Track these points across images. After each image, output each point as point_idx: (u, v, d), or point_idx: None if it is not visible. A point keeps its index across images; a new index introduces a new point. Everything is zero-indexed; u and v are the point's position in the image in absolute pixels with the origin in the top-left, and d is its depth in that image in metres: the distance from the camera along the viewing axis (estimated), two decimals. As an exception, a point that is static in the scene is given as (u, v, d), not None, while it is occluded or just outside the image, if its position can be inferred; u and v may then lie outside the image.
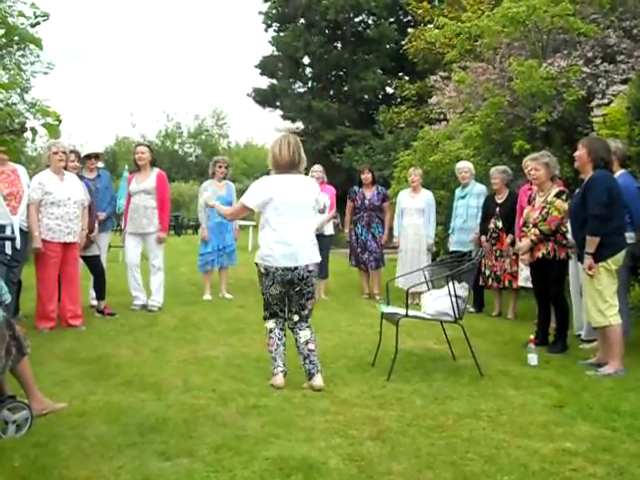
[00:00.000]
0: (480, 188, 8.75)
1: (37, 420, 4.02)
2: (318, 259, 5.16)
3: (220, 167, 9.34)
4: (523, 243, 6.55)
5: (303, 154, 5.15)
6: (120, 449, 3.67)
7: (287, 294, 5.12)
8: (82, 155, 8.12)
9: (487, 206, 8.41)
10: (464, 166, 8.95)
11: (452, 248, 8.85)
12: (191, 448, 3.68)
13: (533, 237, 6.36)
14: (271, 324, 5.18)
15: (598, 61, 9.12)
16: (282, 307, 5.20)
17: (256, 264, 5.13)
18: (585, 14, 9.65)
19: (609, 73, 8.91)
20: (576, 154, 5.82)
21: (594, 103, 8.45)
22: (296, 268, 4.98)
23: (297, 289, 5.06)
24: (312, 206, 5.18)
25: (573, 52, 9.40)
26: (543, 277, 6.48)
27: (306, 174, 5.82)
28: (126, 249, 8.45)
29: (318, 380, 4.96)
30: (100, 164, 8.79)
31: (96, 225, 7.78)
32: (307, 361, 5.04)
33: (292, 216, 5.01)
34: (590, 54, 9.30)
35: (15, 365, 4.06)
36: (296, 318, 5.16)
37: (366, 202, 9.67)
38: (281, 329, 5.19)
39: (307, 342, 5.09)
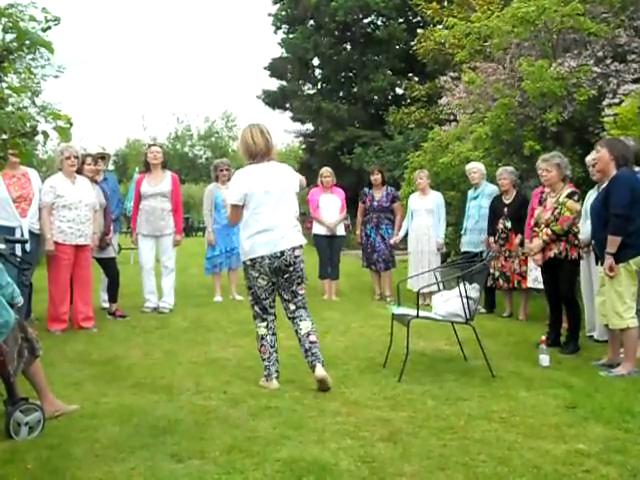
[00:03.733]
0: (492, 189, 8.73)
1: (49, 422, 4.04)
2: (303, 241, 5.10)
3: (221, 170, 9.36)
4: (535, 243, 6.53)
5: (274, 141, 5.14)
6: (132, 451, 3.68)
7: (276, 284, 5.06)
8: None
9: (495, 207, 8.38)
10: (473, 167, 8.94)
11: (464, 249, 8.85)
12: (203, 450, 3.69)
13: (545, 237, 6.35)
14: (262, 330, 5.09)
15: (609, 60, 9.07)
16: (272, 302, 5.12)
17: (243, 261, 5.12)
18: (595, 13, 9.60)
19: (620, 72, 8.86)
20: (596, 155, 5.73)
21: (605, 103, 8.41)
22: (282, 254, 4.93)
23: (286, 276, 5.00)
24: (293, 192, 5.13)
25: (583, 52, 9.36)
26: (554, 277, 6.46)
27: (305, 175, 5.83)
28: (141, 252, 8.42)
29: (320, 370, 4.89)
30: (110, 167, 8.81)
31: (111, 227, 7.83)
32: (309, 354, 4.96)
33: (273, 205, 4.95)
34: (600, 53, 9.25)
35: (27, 367, 4.09)
36: (292, 307, 5.07)
37: (375, 203, 9.65)
38: (273, 333, 5.12)
39: (309, 334, 5.00)
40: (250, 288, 5.11)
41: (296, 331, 5.07)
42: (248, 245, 4.99)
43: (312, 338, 5.00)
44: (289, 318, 5.13)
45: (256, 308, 5.12)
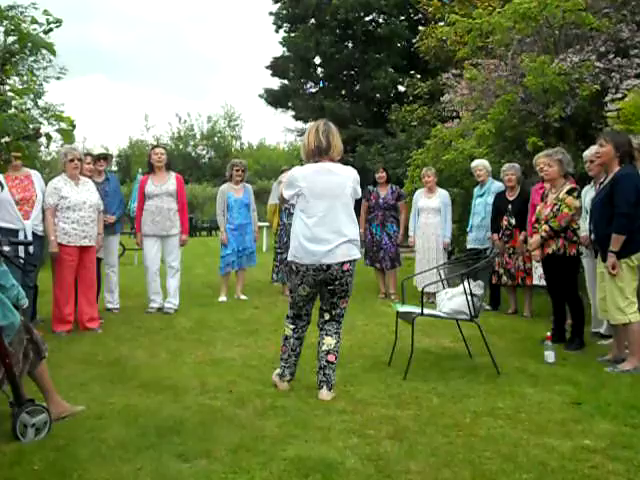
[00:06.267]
0: (498, 186, 8.71)
1: (56, 423, 4.05)
2: (356, 256, 4.75)
3: (237, 170, 9.40)
4: (533, 239, 6.56)
5: (335, 140, 4.74)
6: (139, 451, 3.68)
7: (319, 293, 4.84)
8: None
9: (498, 204, 8.38)
10: (479, 164, 8.93)
11: (470, 245, 8.87)
12: (209, 449, 3.69)
13: (543, 233, 6.35)
14: (289, 331, 4.94)
15: (611, 55, 9.05)
16: (309, 310, 4.93)
17: (288, 260, 4.89)
18: (597, 8, 9.59)
19: (622, 67, 8.84)
20: (600, 150, 5.69)
21: (608, 98, 8.39)
22: (329, 267, 4.63)
23: (329, 288, 4.73)
24: (348, 197, 4.73)
25: (585, 47, 9.34)
26: (555, 274, 6.46)
27: None
28: (146, 253, 8.37)
29: (323, 394, 4.69)
30: (113, 167, 8.78)
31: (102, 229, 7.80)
32: (321, 372, 4.75)
33: (323, 212, 4.65)
34: (603, 49, 9.23)
35: (33, 369, 4.09)
36: (327, 317, 4.85)
37: (380, 201, 9.64)
38: (298, 338, 4.94)
39: (328, 352, 4.76)
40: (291, 292, 4.96)
41: (318, 342, 4.88)
42: (296, 242, 4.73)
43: (330, 358, 4.77)
44: (318, 326, 4.92)
45: (290, 312, 4.97)
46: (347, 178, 4.77)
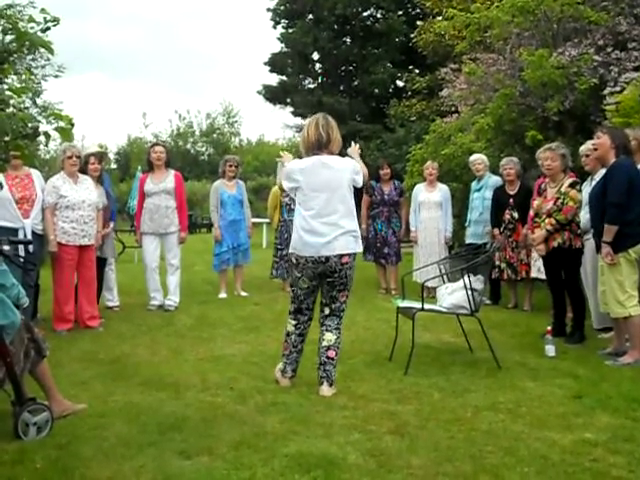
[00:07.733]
0: (495, 180, 8.71)
1: (57, 422, 4.05)
2: (356, 249, 4.78)
3: (230, 166, 9.40)
4: (538, 234, 6.52)
5: (334, 134, 4.80)
6: (140, 449, 3.69)
7: (320, 286, 4.85)
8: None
9: (498, 198, 8.37)
10: (477, 158, 8.93)
11: (468, 240, 8.85)
12: (211, 446, 3.70)
13: (549, 227, 6.33)
14: (290, 327, 4.95)
15: (609, 49, 9.05)
16: (310, 304, 4.93)
17: (289, 253, 4.93)
18: (595, 2, 9.58)
19: (621, 61, 8.83)
20: (597, 142, 5.68)
21: (606, 91, 8.39)
22: (327, 260, 4.66)
23: (328, 280, 4.75)
24: (345, 189, 4.75)
25: (584, 40, 9.33)
26: (557, 267, 6.46)
27: None
28: (145, 251, 8.40)
29: (325, 390, 4.69)
30: (113, 165, 8.76)
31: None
32: (322, 368, 4.77)
33: (322, 204, 4.68)
34: (601, 42, 9.22)
35: (34, 367, 4.10)
36: (327, 311, 4.85)
37: (385, 197, 9.63)
38: (300, 335, 4.94)
39: (328, 348, 4.78)
40: (292, 286, 4.99)
41: (319, 338, 4.88)
42: (296, 236, 4.79)
43: (330, 354, 4.78)
44: (319, 321, 4.92)
45: (291, 306, 4.98)
46: (344, 171, 4.79)
